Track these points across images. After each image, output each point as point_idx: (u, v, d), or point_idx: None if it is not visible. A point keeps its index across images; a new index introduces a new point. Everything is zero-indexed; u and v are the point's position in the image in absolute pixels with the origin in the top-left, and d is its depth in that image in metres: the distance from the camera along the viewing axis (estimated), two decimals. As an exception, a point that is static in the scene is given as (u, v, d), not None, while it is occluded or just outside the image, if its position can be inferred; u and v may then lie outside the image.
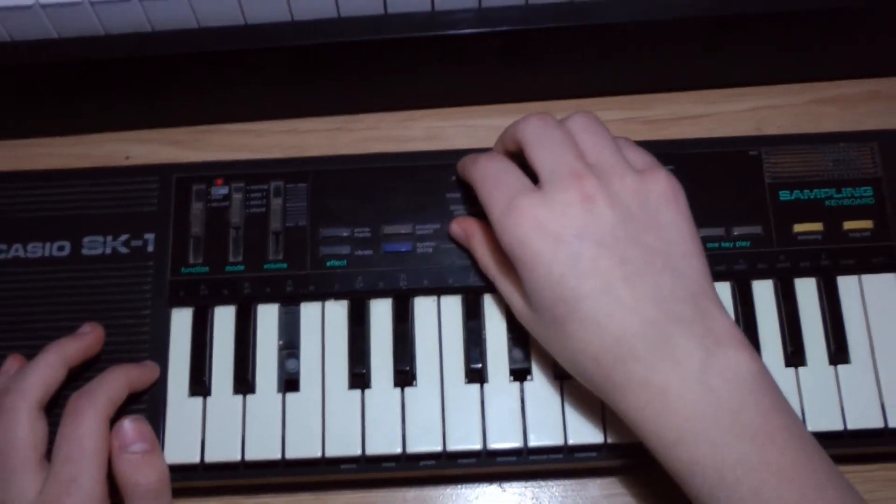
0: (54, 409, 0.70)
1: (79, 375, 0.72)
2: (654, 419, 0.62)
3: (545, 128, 0.69)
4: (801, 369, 0.74)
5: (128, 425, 0.69)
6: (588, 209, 0.65)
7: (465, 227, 0.75)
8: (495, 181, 0.69)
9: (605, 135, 0.69)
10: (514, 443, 0.73)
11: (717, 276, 0.75)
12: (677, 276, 0.65)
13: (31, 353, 0.72)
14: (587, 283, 0.64)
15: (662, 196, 0.67)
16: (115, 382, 0.70)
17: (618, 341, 0.63)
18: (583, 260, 0.64)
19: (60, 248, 0.77)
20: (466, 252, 0.76)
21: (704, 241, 0.74)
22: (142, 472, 0.68)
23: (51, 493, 0.65)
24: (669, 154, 0.78)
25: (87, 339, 0.73)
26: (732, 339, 0.64)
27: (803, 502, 0.59)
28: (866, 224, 0.77)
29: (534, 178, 0.68)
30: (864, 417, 0.73)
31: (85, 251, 0.77)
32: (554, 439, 0.73)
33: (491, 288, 0.75)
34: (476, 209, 0.76)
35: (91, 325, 0.74)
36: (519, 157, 0.71)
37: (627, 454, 0.72)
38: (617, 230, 0.65)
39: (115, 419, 0.69)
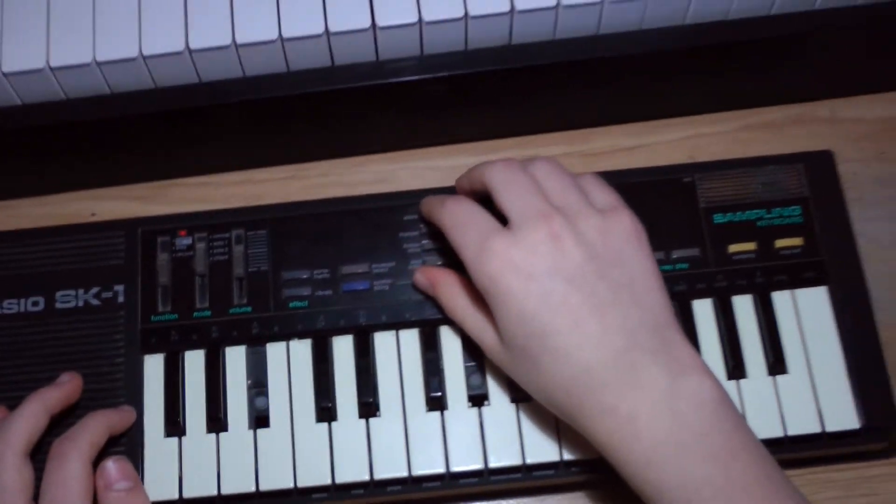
0: (38, 454, 0.72)
1: (60, 422, 0.75)
2: (624, 444, 0.66)
3: (511, 172, 0.72)
4: (742, 381, 0.78)
5: (112, 465, 0.72)
6: (557, 248, 0.68)
7: (429, 277, 0.78)
8: (466, 224, 0.72)
9: (568, 178, 0.73)
10: (476, 465, 0.76)
11: (660, 298, 0.79)
12: (642, 308, 0.68)
13: (12, 403, 0.75)
14: (558, 318, 0.67)
15: (625, 234, 0.70)
16: (96, 427, 0.73)
17: (588, 372, 0.67)
18: (554, 296, 0.67)
19: (35, 304, 0.80)
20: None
21: (645, 264, 0.79)
22: None
23: None
24: (609, 184, 0.80)
25: (66, 387, 0.76)
26: (696, 367, 0.67)
27: None
28: (796, 241, 0.81)
29: (500, 218, 0.72)
30: (802, 423, 0.77)
31: (58, 305, 0.80)
32: (513, 459, 0.76)
33: (446, 320, 0.79)
34: (434, 245, 0.81)
35: (70, 374, 0.77)
36: (483, 198, 0.74)
37: (583, 470, 0.76)
38: (584, 267, 0.68)
39: (96, 462, 0.72)
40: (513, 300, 0.68)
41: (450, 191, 0.81)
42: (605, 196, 0.73)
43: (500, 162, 0.74)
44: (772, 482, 0.65)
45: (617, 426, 0.66)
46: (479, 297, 0.72)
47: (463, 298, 0.76)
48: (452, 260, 0.78)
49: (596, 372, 0.66)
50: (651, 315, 0.69)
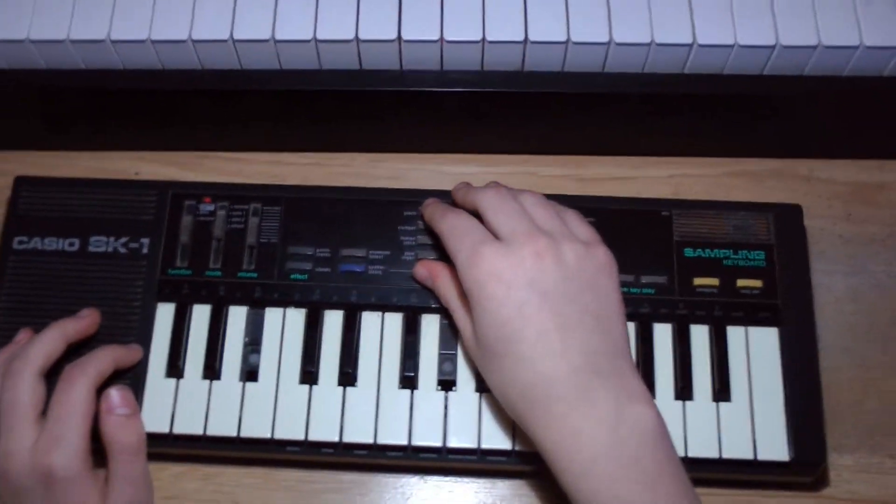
0: (53, 377, 0.72)
1: (75, 351, 0.75)
2: (565, 453, 0.65)
3: (502, 198, 0.72)
4: (688, 403, 0.75)
5: (114, 392, 0.72)
6: (538, 264, 0.67)
7: (430, 269, 0.77)
8: (463, 232, 0.71)
9: (552, 210, 0.72)
10: (436, 442, 0.75)
11: (624, 317, 0.77)
12: (604, 336, 0.67)
13: (41, 328, 0.74)
14: (528, 327, 0.66)
15: (601, 266, 0.70)
16: (104, 358, 0.73)
17: (545, 381, 0.65)
18: (528, 307, 0.66)
19: (71, 244, 0.79)
20: (417, 284, 0.78)
21: (616, 285, 0.77)
22: (124, 431, 0.71)
23: (43, 445, 0.68)
24: (596, 208, 0.80)
25: (85, 321, 0.76)
26: (642, 397, 0.66)
27: None
28: (756, 283, 0.78)
29: None
30: (737, 448, 0.74)
31: (91, 248, 0.79)
32: (470, 442, 0.74)
33: (428, 310, 0.78)
34: (428, 241, 0.79)
35: (90, 310, 0.77)
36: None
37: (532, 461, 0.73)
38: (560, 286, 0.67)
39: (102, 390, 0.72)
40: (491, 304, 0.67)
41: (450, 195, 0.80)
42: (584, 230, 0.73)
43: (492, 188, 0.74)
44: None
45: (561, 437, 0.65)
46: (465, 296, 0.71)
47: (454, 293, 0.74)
48: (441, 257, 0.77)
49: (551, 383, 0.65)
50: (611, 343, 0.68)
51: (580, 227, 0.73)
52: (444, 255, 0.76)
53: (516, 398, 0.67)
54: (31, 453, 0.69)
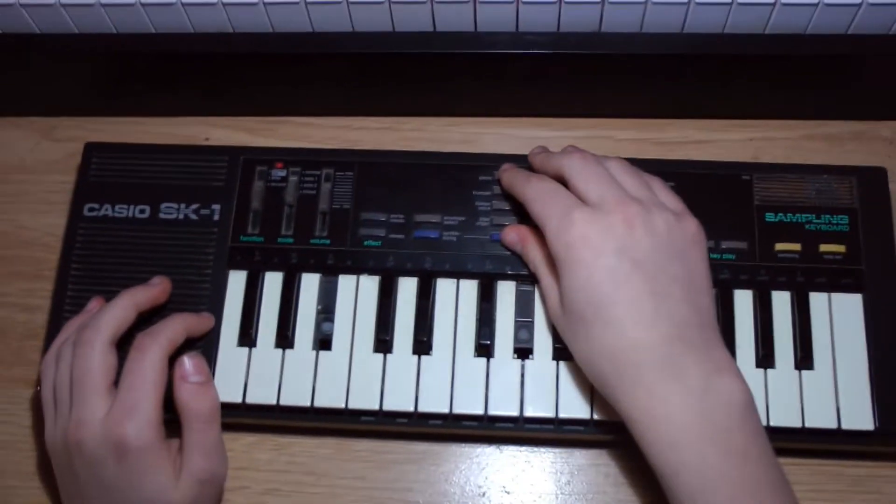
0: (124, 345, 0.71)
1: (147, 320, 0.73)
2: (653, 423, 0.63)
3: (589, 164, 0.70)
4: (769, 371, 0.73)
5: (188, 360, 0.71)
6: (629, 232, 0.66)
7: (520, 234, 0.75)
8: (551, 197, 0.70)
9: (641, 177, 0.71)
10: (512, 411, 0.73)
11: (704, 283, 0.75)
12: (692, 306, 0.66)
13: (111, 296, 0.73)
14: (619, 292, 0.65)
15: (691, 237, 0.68)
16: (176, 326, 0.72)
17: (635, 348, 0.64)
18: (619, 273, 0.65)
19: (142, 211, 0.78)
20: (493, 247, 0.76)
21: (696, 250, 0.75)
22: (198, 399, 0.70)
23: (115, 414, 0.67)
24: (675, 172, 0.77)
25: (156, 289, 0.75)
26: (730, 370, 0.65)
27: None
28: (839, 248, 0.76)
29: None
30: (820, 418, 0.72)
31: (162, 215, 0.78)
32: (547, 412, 0.73)
33: (504, 276, 0.76)
34: (504, 206, 0.77)
35: (161, 278, 0.76)
36: None
37: (611, 430, 0.72)
38: (651, 255, 0.66)
39: (174, 358, 0.71)
40: (582, 268, 0.66)
41: (525, 159, 0.78)
42: (673, 199, 0.72)
43: (577, 153, 0.72)
44: (777, 489, 0.63)
45: (651, 405, 0.64)
46: (553, 262, 0.70)
47: (541, 259, 0.73)
48: (520, 222, 0.76)
49: (642, 350, 0.64)
50: (698, 314, 0.66)
51: (668, 195, 0.71)
52: (521, 221, 0.75)
53: (604, 365, 0.66)
54: (104, 423, 0.67)
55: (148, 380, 0.68)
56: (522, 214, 0.74)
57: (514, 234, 0.76)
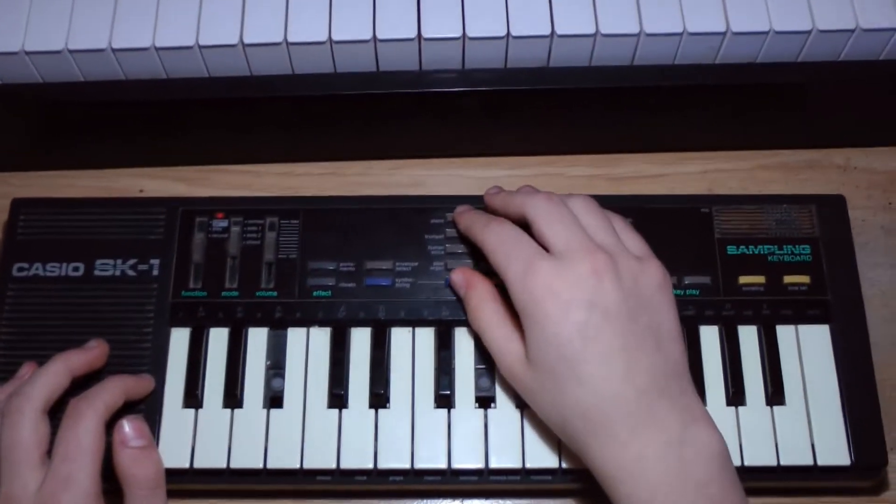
0: (57, 413, 0.65)
1: (83, 385, 0.68)
2: (628, 479, 0.60)
3: (553, 205, 0.66)
4: (740, 409, 0.70)
5: (128, 423, 0.65)
6: (598, 283, 0.62)
7: (467, 277, 0.71)
8: (513, 246, 0.66)
9: (605, 219, 0.67)
10: (477, 464, 0.68)
11: (668, 321, 0.71)
12: (665, 356, 0.63)
13: (44, 361, 0.68)
14: (591, 348, 0.62)
15: (657, 283, 0.65)
16: (113, 390, 0.67)
17: (609, 403, 0.61)
18: (590, 327, 0.62)
19: (75, 269, 0.73)
20: (448, 293, 0.73)
21: (657, 288, 0.72)
22: (141, 465, 0.64)
23: (49, 487, 0.62)
24: (633, 207, 0.75)
25: (92, 353, 0.70)
26: (706, 419, 0.62)
27: None
28: (804, 279, 0.73)
29: None
30: (795, 455, 0.69)
31: (97, 272, 0.73)
32: (513, 462, 0.68)
33: (462, 322, 0.72)
34: (458, 250, 0.74)
35: (97, 340, 0.70)
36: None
37: (580, 479, 0.68)
38: (620, 306, 0.63)
39: (111, 424, 0.65)
40: (550, 323, 0.62)
41: (478, 200, 0.74)
42: (636, 241, 0.68)
43: (542, 195, 0.67)
44: None
45: (626, 461, 0.60)
46: (509, 312, 0.66)
47: (492, 308, 0.68)
48: (475, 265, 0.72)
49: (616, 405, 0.61)
50: (671, 363, 0.64)
51: (631, 237, 0.68)
52: (477, 264, 0.72)
53: (577, 422, 0.62)
54: (37, 498, 0.62)
55: (84, 448, 0.63)
56: (479, 257, 0.70)
57: (460, 277, 0.72)
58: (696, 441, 0.60)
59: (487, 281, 0.70)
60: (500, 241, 0.67)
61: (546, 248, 0.65)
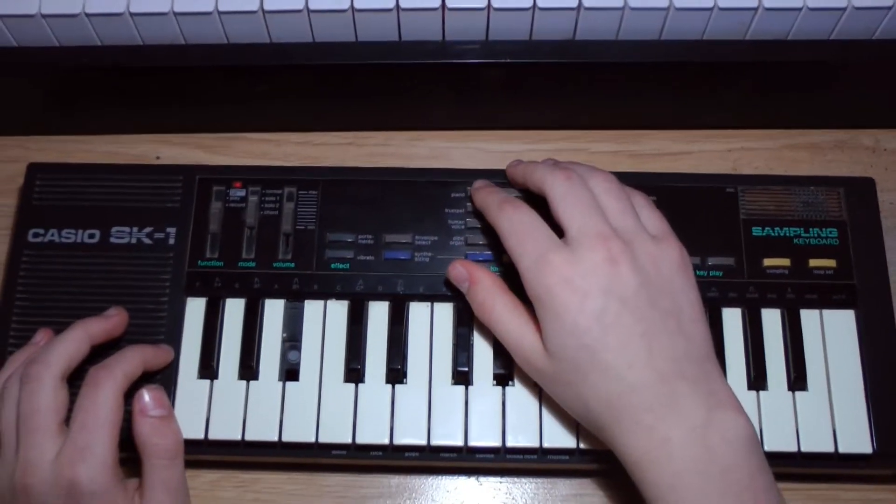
0: (76, 381, 0.64)
1: (102, 354, 0.67)
2: (653, 465, 0.59)
3: (572, 186, 0.65)
4: (762, 393, 0.69)
5: (147, 393, 0.65)
6: (614, 270, 0.61)
7: (470, 271, 0.68)
8: (525, 233, 0.64)
9: (626, 199, 0.66)
10: (494, 442, 0.68)
11: (690, 302, 0.70)
12: (687, 339, 0.62)
13: (59, 329, 0.67)
14: (611, 335, 0.61)
15: (675, 264, 0.64)
16: (132, 359, 0.66)
17: (632, 390, 0.60)
18: (608, 314, 0.61)
19: (91, 236, 0.72)
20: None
21: (680, 268, 0.70)
22: (160, 434, 0.64)
23: (66, 456, 0.61)
24: (654, 186, 0.73)
25: (112, 321, 0.69)
26: (731, 403, 0.61)
27: None
28: (830, 263, 0.72)
29: (553, 224, 0.64)
30: (816, 441, 0.68)
31: (112, 240, 0.72)
32: (530, 441, 0.67)
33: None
34: (478, 224, 0.72)
35: (117, 308, 0.69)
36: (535, 198, 0.67)
37: (597, 459, 0.67)
38: (638, 292, 0.61)
39: (129, 394, 0.65)
40: (567, 313, 0.61)
41: (500, 174, 0.73)
42: (655, 221, 0.66)
43: (560, 172, 0.65)
44: None
45: (650, 446, 0.59)
46: (519, 301, 0.65)
47: (503, 301, 0.66)
48: (494, 241, 0.69)
49: (640, 392, 0.60)
50: (694, 346, 0.62)
51: (651, 216, 0.66)
52: (496, 241, 0.69)
53: (601, 410, 0.61)
54: (54, 466, 0.61)
55: (102, 417, 0.62)
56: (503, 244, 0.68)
57: (462, 270, 0.69)
58: (722, 426, 0.59)
59: (491, 273, 0.68)
60: (513, 226, 0.65)
61: (561, 229, 0.64)
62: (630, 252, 0.62)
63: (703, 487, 0.58)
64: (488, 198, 0.69)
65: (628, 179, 0.69)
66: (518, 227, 0.65)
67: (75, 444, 0.62)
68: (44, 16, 0.69)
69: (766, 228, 0.73)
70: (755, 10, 0.70)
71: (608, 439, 0.62)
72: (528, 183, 0.68)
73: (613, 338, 0.60)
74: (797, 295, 0.71)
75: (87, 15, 0.70)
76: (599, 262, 0.61)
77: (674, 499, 0.58)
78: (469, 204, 0.73)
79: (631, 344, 0.60)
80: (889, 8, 0.70)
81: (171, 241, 0.72)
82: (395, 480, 0.71)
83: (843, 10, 0.70)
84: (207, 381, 0.69)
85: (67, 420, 0.63)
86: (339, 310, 0.71)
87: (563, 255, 0.62)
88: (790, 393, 0.69)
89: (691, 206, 0.73)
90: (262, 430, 0.68)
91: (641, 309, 0.61)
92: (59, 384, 0.64)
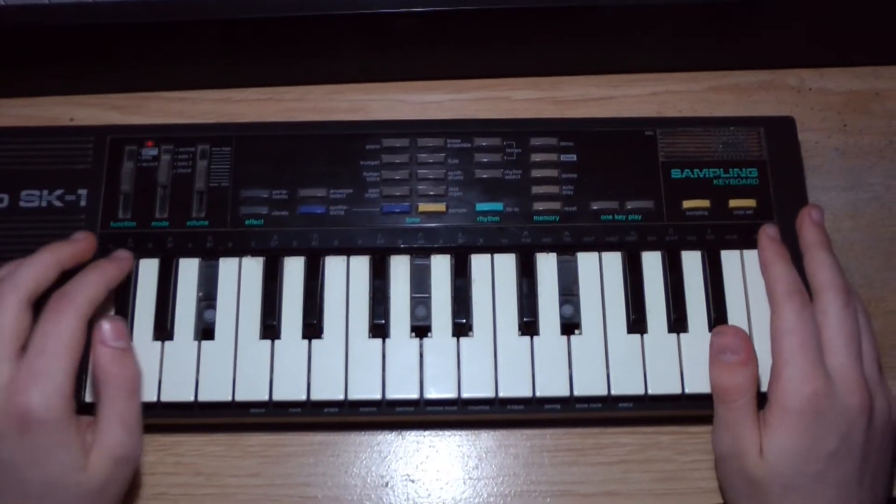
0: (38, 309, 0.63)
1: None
2: None
3: (848, 320, 0.66)
4: (682, 335, 0.68)
5: (107, 323, 0.61)
6: (857, 419, 0.64)
7: (748, 348, 0.65)
8: (806, 345, 0.65)
9: (876, 347, 0.68)
10: (412, 394, 0.67)
11: (610, 247, 0.70)
12: (874, 496, 0.66)
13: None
14: (832, 474, 0.63)
15: (892, 428, 0.67)
16: (97, 283, 0.64)
17: None
18: (837, 456, 0.63)
19: (0, 200, 0.71)
20: (384, 220, 0.70)
21: (600, 213, 0.70)
22: (120, 364, 0.61)
23: (20, 381, 0.59)
24: (574, 131, 0.72)
25: (80, 244, 0.67)
26: None
27: None
28: (750, 203, 0.71)
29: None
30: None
31: (22, 203, 0.71)
32: (449, 392, 0.67)
33: (397, 250, 0.70)
34: (393, 177, 0.71)
35: (85, 233, 0.68)
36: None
37: (518, 409, 0.67)
38: (864, 445, 0.64)
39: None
40: (806, 436, 0.63)
41: (418, 125, 0.73)
42: (873, 364, 0.68)
43: (843, 297, 0.66)
44: None
45: None
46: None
47: (753, 393, 0.65)
48: (411, 193, 0.70)
49: None
50: (878, 501, 0.67)
51: (870, 353, 0.67)
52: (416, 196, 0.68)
53: None
54: (6, 391, 0.59)
55: (62, 344, 0.61)
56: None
57: (736, 342, 0.65)
58: None
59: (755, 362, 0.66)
60: (796, 329, 0.65)
61: (821, 344, 0.65)
62: (872, 406, 0.64)
63: None
64: (784, 271, 0.68)
65: (548, 125, 0.69)
66: (803, 332, 0.65)
67: (31, 368, 0.60)
68: (-58, -25, 0.68)
69: (686, 170, 0.72)
70: (667, -52, 0.69)
71: None
72: (811, 270, 0.68)
73: (832, 476, 0.63)
74: (717, 236, 0.71)
75: (-10, -25, 0.68)
76: (851, 406, 0.63)
77: None
78: (384, 156, 0.72)
79: (846, 488, 0.63)
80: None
81: (83, 203, 0.71)
82: (319, 438, 0.71)
83: (759, -55, 0.69)
84: (122, 343, 0.68)
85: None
86: (254, 266, 0.70)
87: (827, 388, 0.63)
88: (710, 334, 0.67)
89: (610, 151, 0.72)
90: (179, 391, 0.67)
91: (857, 461, 0.64)
92: (24, 307, 0.62)
